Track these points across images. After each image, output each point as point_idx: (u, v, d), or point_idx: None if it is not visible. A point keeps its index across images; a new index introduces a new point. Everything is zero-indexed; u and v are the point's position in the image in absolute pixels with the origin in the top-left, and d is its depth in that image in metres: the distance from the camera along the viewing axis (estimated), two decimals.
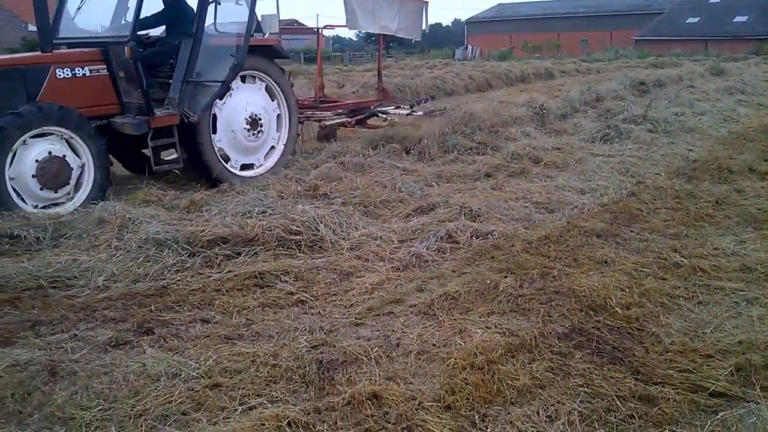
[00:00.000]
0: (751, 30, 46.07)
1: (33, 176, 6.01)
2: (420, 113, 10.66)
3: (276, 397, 3.07)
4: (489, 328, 3.73)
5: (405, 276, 4.67)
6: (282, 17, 46.53)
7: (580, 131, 10.50)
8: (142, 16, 7.10)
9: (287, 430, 2.75)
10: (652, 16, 53.58)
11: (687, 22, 50.46)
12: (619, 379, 3.19)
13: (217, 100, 7.33)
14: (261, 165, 7.99)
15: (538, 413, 2.92)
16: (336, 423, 2.85)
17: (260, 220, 5.40)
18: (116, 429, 2.82)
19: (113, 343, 3.68)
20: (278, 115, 8.17)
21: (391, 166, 7.90)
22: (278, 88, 8.12)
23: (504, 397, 3.05)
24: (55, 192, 6.20)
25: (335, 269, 4.78)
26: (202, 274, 4.71)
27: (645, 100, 12.87)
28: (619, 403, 2.99)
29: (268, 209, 5.72)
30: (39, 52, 6.74)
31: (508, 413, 2.93)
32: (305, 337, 3.67)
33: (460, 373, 3.23)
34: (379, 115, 10.75)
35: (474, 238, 5.31)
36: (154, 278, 4.62)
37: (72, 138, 6.29)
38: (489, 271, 4.60)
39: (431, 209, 6.11)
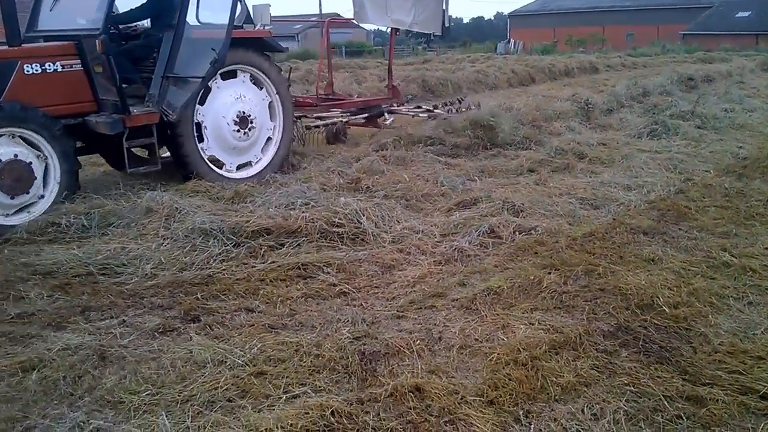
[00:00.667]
0: None
1: None
2: (424, 116, 10.20)
3: (319, 387, 3.10)
4: (532, 324, 3.70)
5: (447, 270, 4.65)
6: (324, 11, 46.70)
7: (626, 127, 10.31)
8: (127, 8, 6.82)
9: (331, 419, 2.77)
10: (700, 10, 52.20)
11: (737, 16, 48.99)
12: (667, 379, 3.14)
13: (199, 106, 6.84)
14: (259, 160, 7.56)
15: (582, 411, 2.89)
16: (379, 414, 2.86)
17: (303, 212, 5.45)
18: (164, 413, 2.88)
19: (161, 330, 3.76)
20: (269, 103, 7.61)
21: (433, 160, 7.88)
22: (264, 77, 7.47)
23: (548, 393, 3.02)
24: (12, 198, 5.71)
25: (377, 262, 4.79)
26: (246, 264, 4.78)
27: (693, 96, 12.58)
28: (666, 403, 2.94)
29: (311, 201, 5.77)
30: (6, 47, 6.15)
31: (552, 410, 2.90)
32: (348, 329, 3.70)
33: (503, 368, 3.21)
34: (386, 114, 10.28)
35: (517, 233, 5.27)
36: (200, 267, 4.71)
37: (35, 139, 5.83)
38: (532, 266, 4.55)
39: (473, 204, 6.08)
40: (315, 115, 9.75)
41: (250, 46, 7.27)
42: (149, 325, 3.80)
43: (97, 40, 6.07)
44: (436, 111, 10.49)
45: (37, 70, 6.09)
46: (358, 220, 5.36)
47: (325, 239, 5.16)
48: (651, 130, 9.57)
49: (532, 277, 4.31)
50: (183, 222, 5.26)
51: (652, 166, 7.47)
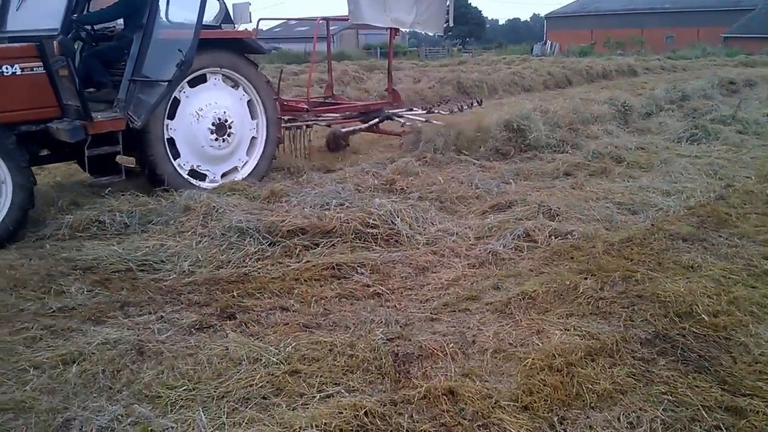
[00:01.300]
0: None
1: None
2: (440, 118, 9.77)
3: (353, 387, 3.11)
4: (568, 330, 3.66)
5: (481, 273, 4.63)
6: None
7: (666, 131, 10.14)
8: (99, 7, 6.55)
9: (364, 419, 2.78)
10: (742, 12, 51.13)
11: None
12: (705, 389, 3.08)
13: (168, 121, 6.46)
14: (246, 163, 7.23)
15: (619, 419, 2.85)
16: (412, 416, 2.86)
17: (338, 212, 5.47)
18: (201, 409, 2.92)
19: (197, 326, 3.82)
20: (248, 101, 7.19)
21: (468, 162, 7.86)
22: (239, 76, 7.02)
23: (583, 400, 2.99)
24: None
25: (411, 263, 4.79)
26: (281, 263, 4.82)
27: (734, 100, 12.32)
28: (704, 413, 2.88)
29: (346, 202, 5.79)
30: None
31: (588, 417, 2.88)
32: (381, 330, 3.71)
33: (538, 373, 3.18)
34: (394, 119, 9.70)
35: (552, 237, 5.22)
36: (236, 265, 4.77)
37: None
38: (568, 271, 4.51)
39: (508, 207, 6.04)
40: (304, 120, 8.80)
41: (224, 47, 6.85)
42: (186, 322, 3.86)
43: (54, 42, 5.69)
44: (435, 113, 10.14)
45: None
46: (392, 222, 5.37)
47: (360, 240, 5.18)
48: (691, 135, 9.39)
49: (568, 282, 4.26)
50: (220, 220, 5.34)
51: (691, 172, 7.33)
